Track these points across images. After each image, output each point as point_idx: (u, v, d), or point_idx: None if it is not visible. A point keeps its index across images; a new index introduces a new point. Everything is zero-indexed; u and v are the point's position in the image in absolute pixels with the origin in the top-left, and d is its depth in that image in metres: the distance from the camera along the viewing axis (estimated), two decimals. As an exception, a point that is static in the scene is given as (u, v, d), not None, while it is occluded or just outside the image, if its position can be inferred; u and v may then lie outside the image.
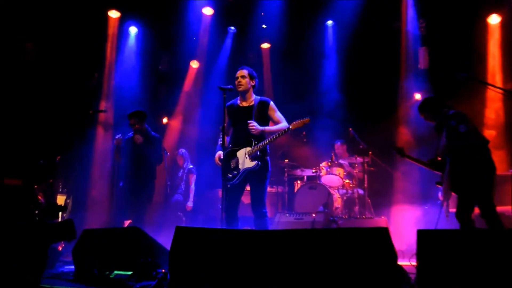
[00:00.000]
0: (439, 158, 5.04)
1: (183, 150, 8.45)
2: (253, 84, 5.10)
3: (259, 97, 5.10)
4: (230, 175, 4.89)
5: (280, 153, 8.42)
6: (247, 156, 4.87)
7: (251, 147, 4.87)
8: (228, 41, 9.81)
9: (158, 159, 6.50)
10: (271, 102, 5.06)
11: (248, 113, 4.99)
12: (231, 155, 4.95)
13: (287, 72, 9.55)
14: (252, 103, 5.06)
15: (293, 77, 9.40)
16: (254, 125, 4.84)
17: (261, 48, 9.91)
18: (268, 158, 4.97)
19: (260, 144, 4.84)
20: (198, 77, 10.01)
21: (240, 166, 4.88)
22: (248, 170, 4.84)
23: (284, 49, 9.49)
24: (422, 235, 3.15)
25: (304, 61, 9.39)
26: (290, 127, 4.79)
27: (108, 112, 8.66)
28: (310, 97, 9.16)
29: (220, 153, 4.97)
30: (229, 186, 4.89)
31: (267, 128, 4.95)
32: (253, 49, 9.88)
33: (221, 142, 4.96)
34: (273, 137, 4.84)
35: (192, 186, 8.14)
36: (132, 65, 9.22)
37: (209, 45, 9.70)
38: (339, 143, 8.48)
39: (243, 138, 4.93)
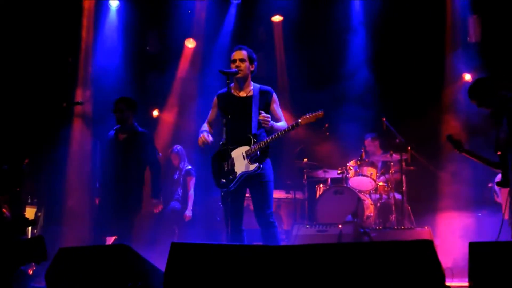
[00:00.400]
0: (499, 153, 5.00)
1: (179, 147, 8.47)
2: (252, 69, 5.08)
3: (258, 85, 5.10)
4: (224, 180, 4.84)
5: (297, 151, 8.42)
6: (245, 157, 4.84)
7: (250, 146, 4.85)
8: (231, 15, 9.81)
9: (148, 161, 6.50)
10: (274, 93, 5.08)
11: (246, 104, 4.97)
12: (224, 155, 4.89)
13: (304, 51, 9.53)
14: (251, 93, 5.04)
15: (312, 57, 9.38)
16: (267, 117, 4.85)
17: (272, 21, 9.90)
18: (269, 161, 5.00)
19: (262, 143, 4.83)
20: (195, 59, 10.02)
21: (236, 170, 4.85)
22: (246, 175, 4.83)
23: (300, 22, 9.47)
24: (475, 248, 3.13)
25: (325, 37, 9.37)
26: (300, 121, 4.80)
27: (86, 104, 8.70)
28: (333, 81, 9.15)
29: (205, 134, 5.01)
30: (222, 194, 4.88)
31: (275, 124, 4.95)
32: (262, 23, 9.87)
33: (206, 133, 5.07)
34: (277, 134, 4.82)
35: (191, 192, 8.17)
36: (114, 47, 9.25)
37: (208, 19, 9.70)
38: (370, 138, 8.47)
39: (239, 135, 4.89)
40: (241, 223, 4.94)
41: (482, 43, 8.41)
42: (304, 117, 4.81)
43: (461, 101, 8.11)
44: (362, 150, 8.11)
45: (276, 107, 5.09)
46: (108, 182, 6.40)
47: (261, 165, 4.82)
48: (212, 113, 5.25)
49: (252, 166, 4.81)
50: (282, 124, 4.98)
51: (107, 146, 6.54)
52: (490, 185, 6.84)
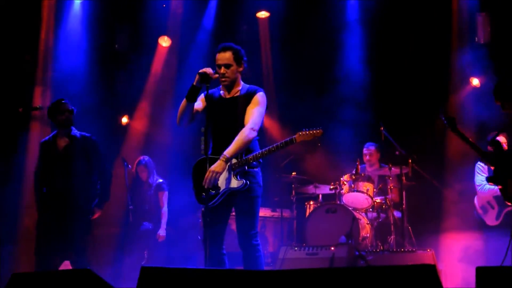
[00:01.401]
0: None
1: (146, 158, 8.37)
2: (241, 69, 5.02)
3: (247, 85, 5.06)
4: (205, 195, 4.77)
5: (285, 164, 8.43)
6: (231, 171, 4.79)
7: (237, 159, 4.79)
8: (212, 9, 9.84)
9: (97, 171, 6.44)
10: (259, 93, 4.97)
11: (232, 107, 4.95)
12: (205, 166, 4.78)
13: (292, 50, 9.57)
14: (238, 93, 5.01)
15: (301, 57, 9.43)
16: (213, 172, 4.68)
17: (257, 17, 9.94)
18: (259, 171, 4.96)
19: (250, 157, 4.79)
20: (170, 59, 10.02)
21: (220, 185, 4.77)
22: (232, 190, 4.80)
23: (288, 19, 9.52)
24: (482, 274, 3.15)
25: (316, 36, 9.43)
26: (295, 138, 4.79)
27: (45, 109, 8.64)
28: (325, 84, 9.19)
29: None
30: (203, 210, 4.84)
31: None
32: (246, 19, 9.91)
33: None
34: (270, 149, 4.78)
35: (164, 208, 8.14)
36: (77, 44, 9.21)
37: (185, 15, 9.72)
38: (372, 148, 8.40)
39: (224, 143, 4.82)
40: (222, 245, 4.90)
41: (491, 44, 8.50)
42: (301, 133, 4.79)
43: (469, 107, 8.17)
44: (357, 163, 8.07)
45: (251, 107, 4.90)
46: (48, 198, 6.30)
47: (248, 182, 4.77)
48: (197, 105, 5.04)
49: (238, 183, 4.75)
50: (241, 133, 4.76)
51: (44, 155, 6.43)
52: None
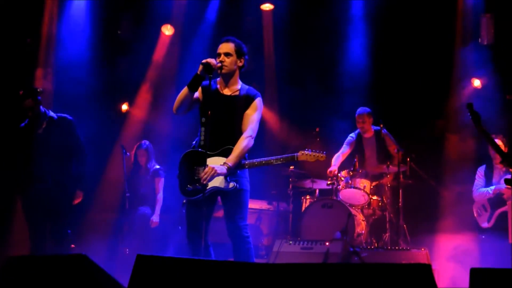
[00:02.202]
0: None
1: (147, 142, 8.35)
2: (240, 64, 5.01)
3: (246, 86, 5.04)
4: (191, 188, 4.79)
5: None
6: None
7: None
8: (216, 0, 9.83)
9: (74, 150, 6.45)
10: (258, 99, 4.96)
11: (230, 105, 4.93)
12: (197, 159, 4.78)
13: (296, 43, 9.56)
14: (237, 92, 4.99)
15: (304, 51, 9.42)
16: (207, 174, 4.64)
17: (261, 9, 9.93)
18: (247, 173, 4.95)
19: (246, 164, 4.82)
20: (172, 48, 10.01)
21: (208, 182, 4.71)
22: (219, 190, 4.80)
23: (293, 11, 9.51)
24: (476, 275, 3.15)
25: (320, 30, 9.41)
26: (297, 156, 4.82)
27: (46, 93, 8.63)
28: (327, 79, 9.19)
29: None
30: (185, 201, 4.86)
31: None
32: (250, 11, 9.89)
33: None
34: (268, 161, 4.80)
35: (160, 195, 8.13)
36: (80, 30, 9.19)
37: (189, 4, 9.70)
38: (364, 113, 8.12)
39: (219, 139, 4.84)
40: (206, 237, 4.86)
41: (495, 46, 8.49)
42: (303, 152, 4.82)
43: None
44: (356, 160, 8.08)
45: (250, 113, 4.91)
46: (30, 182, 6.32)
47: (237, 185, 4.78)
48: (195, 94, 5.03)
49: (228, 184, 4.76)
50: (241, 141, 4.80)
51: (23, 139, 6.46)
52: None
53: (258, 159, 4.84)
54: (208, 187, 4.70)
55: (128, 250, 7.75)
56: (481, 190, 6.99)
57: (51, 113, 6.44)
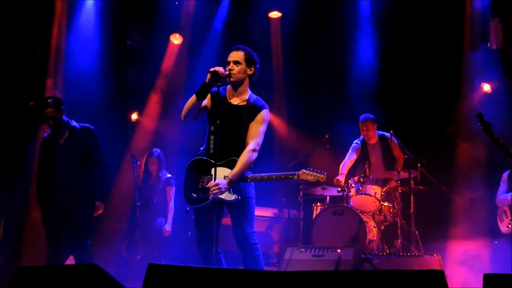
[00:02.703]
0: None
1: (159, 151, 8.33)
2: (250, 73, 4.99)
3: (255, 96, 5.02)
4: (195, 196, 4.81)
5: (292, 165, 8.42)
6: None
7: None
8: (224, 8, 9.85)
9: (96, 161, 6.39)
10: (264, 110, 4.93)
11: (236, 115, 4.92)
12: (203, 168, 4.84)
13: (303, 51, 9.57)
14: (245, 102, 4.97)
15: (312, 58, 9.42)
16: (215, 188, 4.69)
17: (269, 17, 9.95)
18: (253, 186, 4.94)
19: (250, 177, 4.83)
20: (181, 57, 10.04)
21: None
22: (221, 200, 4.78)
23: (301, 19, 9.52)
24: (490, 281, 3.14)
25: (328, 37, 9.42)
26: (298, 174, 4.80)
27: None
28: (336, 86, 9.19)
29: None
30: (188, 209, 4.89)
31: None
32: (258, 19, 9.92)
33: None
34: (269, 176, 4.81)
35: (171, 204, 8.12)
36: (90, 39, 9.25)
37: (197, 13, 9.74)
38: (367, 120, 8.03)
39: (224, 149, 4.83)
40: (217, 245, 4.85)
41: (503, 50, 8.47)
42: (305, 171, 4.81)
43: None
44: (366, 166, 8.07)
45: (255, 125, 4.89)
46: (50, 193, 6.25)
47: (240, 198, 4.77)
48: (204, 102, 5.00)
49: (230, 196, 4.74)
50: (241, 159, 4.78)
51: (43, 150, 6.41)
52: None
53: (261, 174, 4.83)
54: (211, 197, 4.71)
55: (139, 258, 7.75)
56: (502, 196, 7.00)
57: (74, 123, 6.39)
